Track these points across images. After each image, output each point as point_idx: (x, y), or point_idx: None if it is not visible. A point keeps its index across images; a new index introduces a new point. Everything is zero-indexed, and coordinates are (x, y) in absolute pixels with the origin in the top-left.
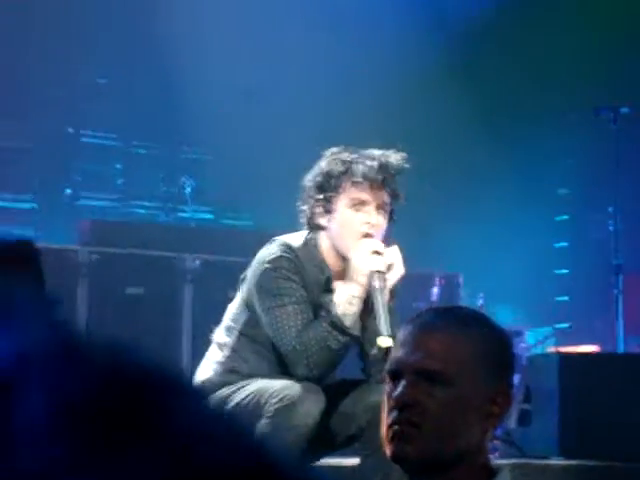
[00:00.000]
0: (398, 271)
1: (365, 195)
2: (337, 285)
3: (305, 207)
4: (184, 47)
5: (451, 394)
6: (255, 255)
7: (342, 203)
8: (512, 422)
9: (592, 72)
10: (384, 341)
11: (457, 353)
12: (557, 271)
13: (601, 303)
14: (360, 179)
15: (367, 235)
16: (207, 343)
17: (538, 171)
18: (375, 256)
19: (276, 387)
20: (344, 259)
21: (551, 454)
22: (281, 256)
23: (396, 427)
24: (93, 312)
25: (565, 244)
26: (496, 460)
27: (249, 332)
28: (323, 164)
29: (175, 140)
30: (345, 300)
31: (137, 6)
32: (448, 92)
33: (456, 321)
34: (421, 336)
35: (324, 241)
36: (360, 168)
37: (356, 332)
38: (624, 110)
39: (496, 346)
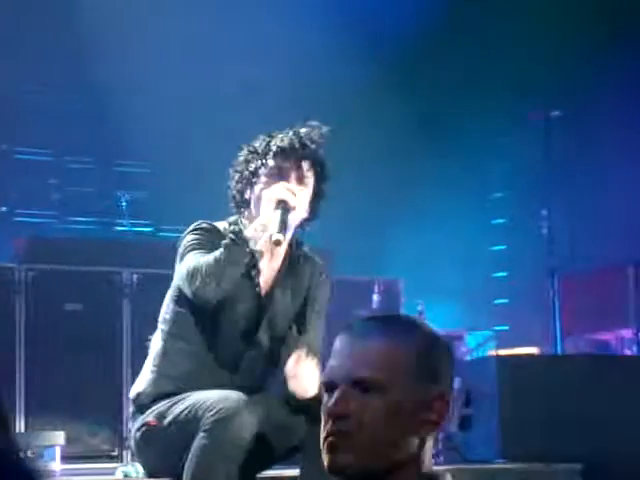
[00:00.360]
0: (300, 214)
1: (286, 164)
2: (261, 263)
3: (231, 186)
4: (115, 58)
5: (384, 402)
6: None
7: (264, 174)
8: (453, 426)
9: (524, 78)
10: (275, 236)
11: (388, 361)
12: (495, 274)
13: (539, 305)
14: (279, 150)
15: (283, 201)
16: (146, 356)
17: (474, 175)
18: (283, 191)
19: (212, 400)
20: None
21: (493, 457)
22: (200, 225)
23: (331, 438)
24: (31, 329)
25: (502, 247)
26: (438, 465)
27: (172, 330)
28: (244, 148)
29: (110, 153)
30: (252, 227)
31: (63, 18)
32: (387, 101)
33: (388, 329)
34: (353, 345)
35: (249, 219)
36: (279, 140)
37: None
38: (555, 114)
39: (429, 352)
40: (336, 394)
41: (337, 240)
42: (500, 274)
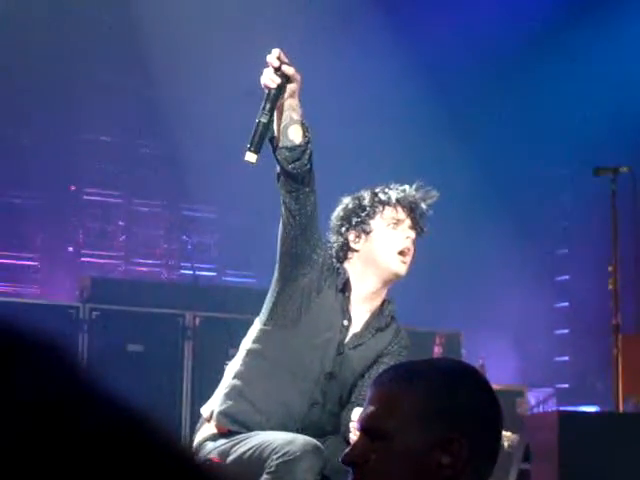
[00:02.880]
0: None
1: (401, 215)
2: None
3: (335, 238)
4: (186, 103)
5: (392, 449)
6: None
7: (379, 224)
8: None
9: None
10: (247, 155)
11: (391, 407)
12: (557, 331)
13: (600, 364)
14: (394, 201)
15: (404, 251)
16: (206, 401)
17: (537, 232)
18: (267, 71)
19: (278, 442)
20: (371, 283)
21: None
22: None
23: None
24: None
25: (565, 304)
26: None
27: (253, 347)
28: (348, 199)
29: (177, 197)
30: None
31: (136, 65)
32: (451, 156)
33: (400, 375)
34: (370, 392)
35: (351, 269)
36: (394, 193)
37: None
38: (623, 170)
39: (441, 395)
40: (354, 441)
41: (396, 290)
42: (562, 331)
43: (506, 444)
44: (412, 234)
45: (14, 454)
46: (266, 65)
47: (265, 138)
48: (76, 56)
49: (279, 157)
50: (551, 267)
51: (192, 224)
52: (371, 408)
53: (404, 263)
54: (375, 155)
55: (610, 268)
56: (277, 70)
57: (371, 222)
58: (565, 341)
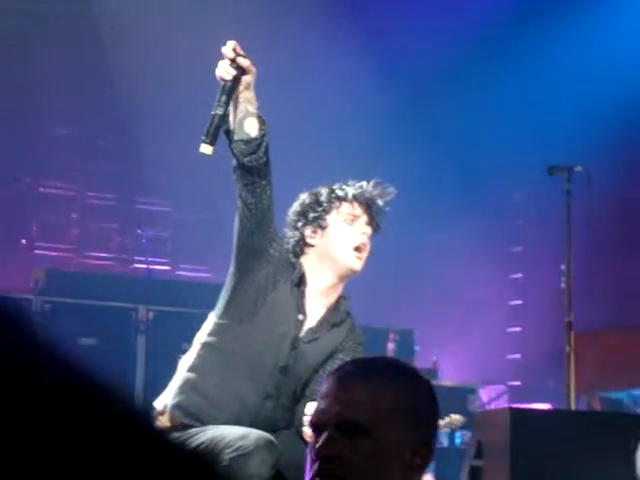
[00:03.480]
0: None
1: (357, 211)
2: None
3: (291, 233)
4: (142, 97)
5: (371, 445)
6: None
7: (335, 219)
8: (463, 478)
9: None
10: (202, 147)
11: (376, 404)
12: (510, 329)
13: (552, 361)
14: (351, 197)
15: (359, 247)
16: (159, 395)
17: (493, 229)
18: (222, 63)
19: (232, 436)
20: (327, 278)
21: None
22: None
23: None
24: None
25: (519, 301)
26: None
27: (208, 340)
28: (305, 195)
29: (131, 190)
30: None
31: (94, 56)
32: (411, 158)
33: (376, 372)
34: (341, 388)
35: (307, 264)
36: (350, 189)
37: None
38: (577, 169)
39: (417, 398)
40: (323, 436)
41: (351, 287)
42: (515, 329)
43: (458, 424)
44: (368, 230)
45: None
46: (221, 57)
47: (220, 130)
48: (34, 49)
49: (235, 150)
50: (505, 264)
51: (146, 218)
52: (345, 405)
53: (359, 259)
54: (333, 148)
55: (563, 266)
56: (232, 62)
57: (327, 217)
58: (517, 339)
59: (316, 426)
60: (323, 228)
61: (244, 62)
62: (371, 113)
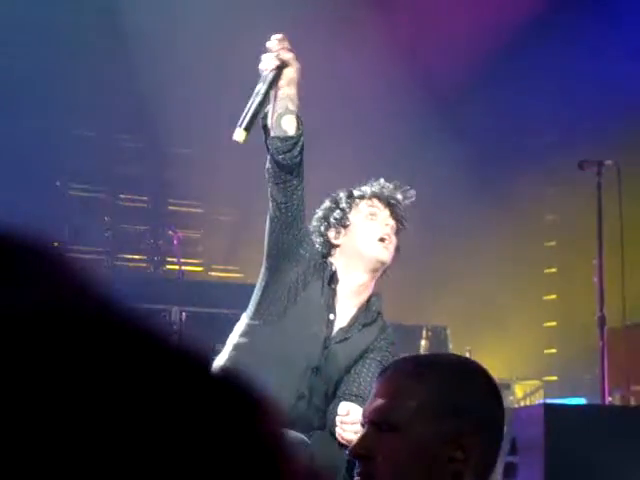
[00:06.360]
0: (292, 65)
1: (378, 206)
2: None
3: (317, 239)
4: (173, 99)
5: (402, 442)
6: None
7: (357, 217)
8: (498, 475)
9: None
10: (236, 133)
11: (401, 399)
12: (545, 324)
13: (587, 356)
14: (370, 194)
15: (384, 237)
16: None
17: (526, 226)
18: (268, 56)
19: None
20: (357, 275)
21: None
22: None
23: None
24: None
25: (553, 296)
26: None
27: (239, 343)
28: (326, 200)
29: (163, 192)
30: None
31: (121, 60)
32: (443, 156)
33: (409, 368)
34: (377, 386)
35: (336, 264)
36: (368, 188)
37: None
38: (608, 163)
39: (452, 390)
40: (360, 434)
41: (385, 284)
42: (550, 324)
43: None
44: (391, 222)
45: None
46: (265, 51)
47: (257, 118)
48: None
49: (271, 146)
50: (540, 260)
51: (178, 219)
52: (380, 401)
53: (386, 249)
54: (368, 152)
55: (595, 261)
56: (276, 55)
57: (349, 216)
58: (553, 333)
59: (362, 425)
60: (346, 227)
61: (286, 55)
62: (404, 117)
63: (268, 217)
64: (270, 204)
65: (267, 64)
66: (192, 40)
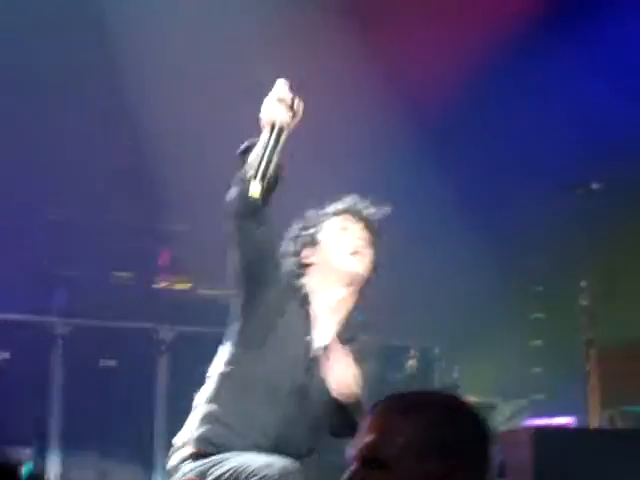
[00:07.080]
0: (298, 117)
1: (349, 221)
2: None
3: (290, 260)
4: (161, 118)
5: (391, 478)
6: None
7: (327, 233)
8: None
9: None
10: (254, 187)
11: (392, 435)
12: (531, 342)
13: (575, 375)
14: (339, 210)
15: (356, 250)
16: (181, 415)
17: (514, 244)
18: (280, 106)
19: (256, 465)
20: (334, 290)
21: None
22: None
23: None
24: (67, 385)
25: (541, 315)
26: None
27: (225, 370)
28: (297, 221)
29: (150, 210)
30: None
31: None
32: (428, 180)
33: (396, 405)
34: (367, 423)
35: (312, 282)
36: (338, 204)
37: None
38: (596, 186)
39: (439, 429)
40: (349, 470)
41: (372, 303)
42: (536, 342)
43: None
44: (364, 234)
45: None
46: (271, 96)
47: (270, 169)
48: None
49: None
50: (526, 279)
51: (167, 237)
52: (370, 436)
53: (359, 261)
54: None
55: (583, 283)
56: (288, 105)
57: (319, 234)
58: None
59: (351, 460)
60: (318, 244)
61: (301, 107)
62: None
63: (235, 246)
64: (237, 237)
65: (279, 115)
66: (186, 61)
